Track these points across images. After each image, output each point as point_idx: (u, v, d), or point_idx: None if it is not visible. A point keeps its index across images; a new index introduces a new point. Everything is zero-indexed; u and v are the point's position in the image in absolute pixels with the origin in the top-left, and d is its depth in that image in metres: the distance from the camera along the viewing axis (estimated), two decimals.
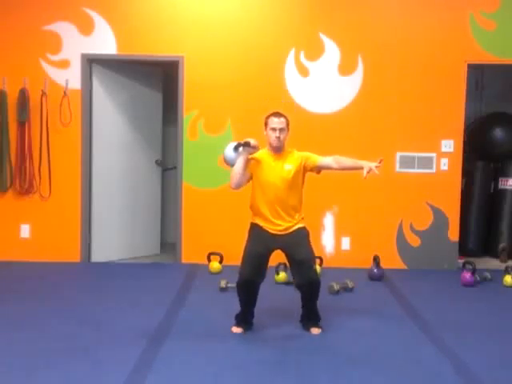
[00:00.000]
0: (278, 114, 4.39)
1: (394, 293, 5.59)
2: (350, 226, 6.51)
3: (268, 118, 4.38)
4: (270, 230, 4.32)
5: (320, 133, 6.36)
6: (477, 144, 7.29)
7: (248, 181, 4.39)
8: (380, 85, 6.42)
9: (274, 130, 4.31)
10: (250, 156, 4.31)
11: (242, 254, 4.37)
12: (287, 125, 4.37)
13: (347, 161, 4.44)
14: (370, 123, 6.44)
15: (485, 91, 7.62)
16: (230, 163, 4.35)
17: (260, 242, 4.32)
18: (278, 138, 4.30)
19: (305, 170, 4.38)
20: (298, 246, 4.31)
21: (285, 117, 4.38)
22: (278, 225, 4.30)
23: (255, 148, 4.30)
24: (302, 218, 4.41)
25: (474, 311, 5.07)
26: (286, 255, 4.39)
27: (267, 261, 4.36)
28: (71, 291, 5.42)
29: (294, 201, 4.35)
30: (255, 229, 4.37)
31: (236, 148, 4.29)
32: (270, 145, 4.37)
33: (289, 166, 4.33)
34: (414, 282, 6.03)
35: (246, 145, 4.26)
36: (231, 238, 6.15)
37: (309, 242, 4.38)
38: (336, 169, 4.44)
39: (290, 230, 4.33)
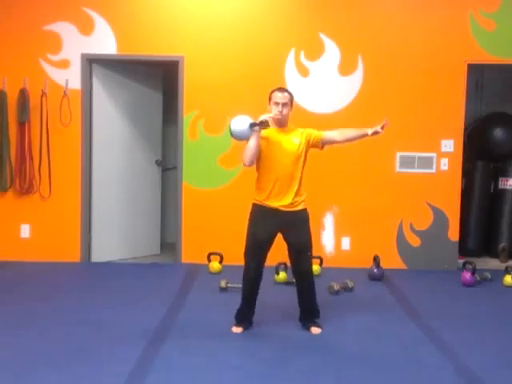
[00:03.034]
0: (282, 89, 4.40)
1: (394, 293, 5.60)
2: (350, 226, 6.51)
3: (272, 92, 4.37)
4: (273, 206, 4.27)
5: None
6: (477, 144, 7.29)
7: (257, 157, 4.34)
8: (380, 85, 6.42)
9: (277, 104, 4.30)
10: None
11: (241, 254, 4.39)
12: (290, 100, 4.36)
13: (351, 131, 4.47)
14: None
15: (485, 91, 7.62)
16: (240, 138, 4.28)
17: (263, 228, 4.29)
18: (281, 112, 4.29)
19: (309, 145, 4.37)
20: (298, 233, 4.31)
21: (289, 92, 4.39)
22: (284, 200, 4.27)
23: (269, 126, 4.25)
24: (304, 200, 4.38)
25: (474, 311, 5.07)
26: (285, 239, 4.37)
27: (270, 246, 4.36)
28: (71, 291, 5.42)
29: (299, 176, 4.33)
30: (258, 210, 4.33)
31: (251, 125, 4.19)
32: (272, 119, 4.32)
33: (296, 140, 4.33)
34: (414, 281, 6.04)
35: (264, 124, 4.19)
36: (231, 238, 6.15)
37: (309, 227, 4.39)
38: (340, 141, 4.48)
39: (295, 209, 4.31)
